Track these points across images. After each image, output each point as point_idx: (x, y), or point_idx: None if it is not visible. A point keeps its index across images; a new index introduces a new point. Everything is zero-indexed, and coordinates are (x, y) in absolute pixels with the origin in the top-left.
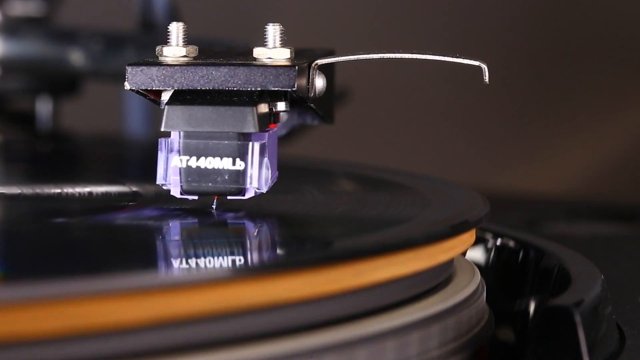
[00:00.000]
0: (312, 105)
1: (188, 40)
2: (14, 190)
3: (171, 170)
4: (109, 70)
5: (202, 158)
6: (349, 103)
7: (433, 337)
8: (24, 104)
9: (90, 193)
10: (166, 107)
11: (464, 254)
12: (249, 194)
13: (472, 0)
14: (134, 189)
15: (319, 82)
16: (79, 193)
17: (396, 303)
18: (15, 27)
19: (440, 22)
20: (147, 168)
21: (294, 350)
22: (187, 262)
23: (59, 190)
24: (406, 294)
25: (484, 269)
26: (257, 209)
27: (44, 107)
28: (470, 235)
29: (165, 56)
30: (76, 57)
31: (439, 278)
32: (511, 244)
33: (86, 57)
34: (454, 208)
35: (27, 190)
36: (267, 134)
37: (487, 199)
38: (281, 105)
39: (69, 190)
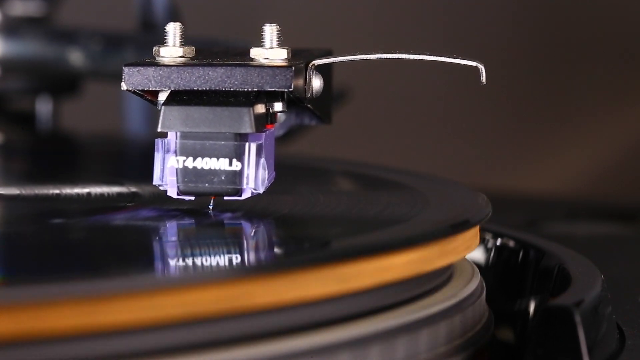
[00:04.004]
0: (309, 105)
1: (185, 41)
2: (13, 191)
3: (168, 170)
4: (109, 70)
5: (199, 158)
6: (349, 103)
7: (432, 337)
8: (24, 104)
9: (89, 194)
10: (163, 107)
11: None
12: (246, 195)
13: (471, 0)
14: (133, 189)
15: (316, 83)
16: (78, 194)
17: (396, 303)
18: (15, 27)
19: (439, 22)
20: (147, 169)
21: (293, 350)
22: (183, 264)
23: (57, 191)
24: (406, 294)
25: (484, 269)
26: (255, 209)
27: (44, 107)
28: (474, 236)
29: (162, 56)
30: (76, 57)
31: (438, 278)
32: (511, 244)
33: (86, 57)
34: (455, 208)
35: (26, 191)
36: (264, 134)
37: (488, 199)
38: (278, 106)
39: (67, 191)
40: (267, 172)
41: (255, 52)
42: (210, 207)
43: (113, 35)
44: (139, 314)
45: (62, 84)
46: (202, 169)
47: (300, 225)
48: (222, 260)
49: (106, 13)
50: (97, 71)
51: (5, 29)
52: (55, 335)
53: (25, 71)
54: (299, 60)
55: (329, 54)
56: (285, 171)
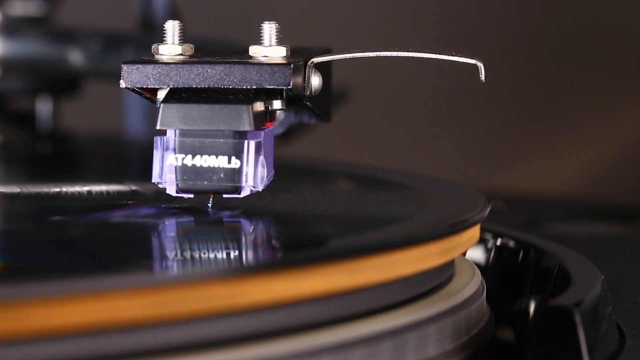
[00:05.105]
0: (308, 103)
1: (184, 39)
2: (13, 189)
3: (167, 168)
4: (109, 70)
5: (198, 156)
6: (349, 102)
7: (433, 337)
8: (24, 104)
9: (89, 192)
10: (162, 105)
11: (464, 253)
12: (245, 193)
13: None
14: (133, 187)
15: (315, 81)
16: (78, 192)
17: (397, 303)
18: (15, 27)
19: (439, 21)
20: (147, 167)
21: (293, 350)
22: (182, 261)
23: (58, 190)
24: (406, 294)
25: (484, 269)
26: (254, 207)
27: (44, 107)
28: (473, 235)
29: (161, 54)
30: (76, 57)
31: (439, 278)
32: (511, 244)
33: (86, 57)
34: (453, 207)
35: (26, 189)
36: (263, 132)
37: (487, 199)
38: (277, 104)
39: (68, 189)
40: (266, 169)
41: (254, 50)
42: (210, 204)
43: (113, 35)
44: (137, 311)
45: (62, 84)
46: (201, 166)
47: (299, 223)
48: (220, 257)
49: (106, 13)
50: (97, 71)
51: (5, 29)
52: (55, 332)
53: (25, 71)
54: (298, 58)
55: (328, 52)
56: (284, 170)
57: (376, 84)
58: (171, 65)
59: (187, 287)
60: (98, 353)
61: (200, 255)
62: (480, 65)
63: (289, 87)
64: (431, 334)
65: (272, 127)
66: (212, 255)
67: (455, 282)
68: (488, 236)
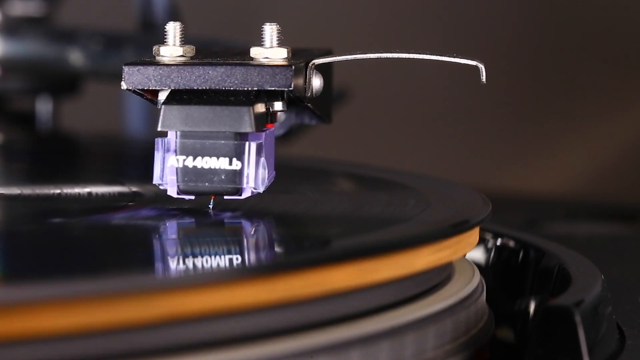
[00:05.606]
0: (309, 105)
1: (185, 40)
2: (14, 190)
3: (168, 170)
4: (109, 70)
5: (199, 158)
6: (349, 103)
7: (433, 337)
8: (24, 104)
9: (89, 193)
10: (163, 106)
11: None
12: (246, 194)
13: (472, 0)
14: (134, 189)
15: (316, 82)
16: (79, 193)
17: (396, 303)
18: (15, 27)
19: (439, 22)
20: (147, 168)
21: (293, 350)
22: (183, 263)
23: (58, 191)
24: (406, 294)
25: (484, 269)
26: (255, 208)
27: (44, 107)
28: (472, 236)
29: (162, 56)
30: (76, 57)
31: (438, 278)
32: (511, 244)
33: (86, 57)
34: (455, 208)
35: (26, 190)
36: (264, 133)
37: (488, 199)
38: (278, 105)
39: (68, 190)
40: (267, 171)
41: (255, 52)
42: (210, 206)
43: (113, 35)
44: (138, 313)
45: (62, 84)
46: (202, 168)
47: (300, 224)
48: (221, 259)
49: (106, 13)
50: (97, 71)
51: (5, 29)
52: (55, 334)
53: (25, 71)
54: (299, 59)
55: (329, 53)
56: (285, 171)
57: (376, 84)
58: (172, 67)
59: (185, 290)
60: (99, 356)
61: (200, 258)
62: (482, 66)
63: (290, 88)
64: (430, 333)
65: (273, 128)
66: (211, 258)
67: (454, 281)
68: (488, 236)
